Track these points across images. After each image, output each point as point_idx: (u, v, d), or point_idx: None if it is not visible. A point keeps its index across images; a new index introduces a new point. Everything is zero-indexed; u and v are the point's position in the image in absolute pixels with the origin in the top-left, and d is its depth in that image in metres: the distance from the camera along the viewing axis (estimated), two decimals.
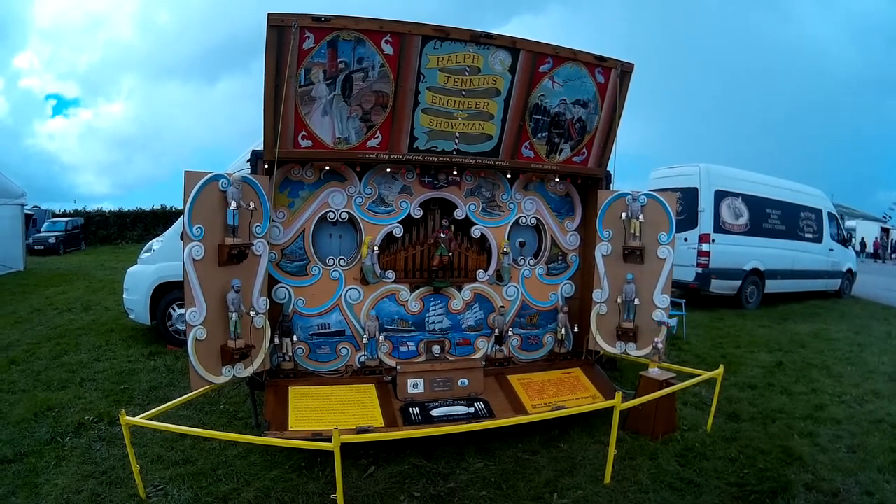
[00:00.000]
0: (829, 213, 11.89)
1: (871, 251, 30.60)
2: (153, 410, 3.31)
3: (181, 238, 3.32)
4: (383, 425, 3.50)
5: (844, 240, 12.79)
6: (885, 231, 33.59)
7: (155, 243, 6.70)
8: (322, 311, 4.03)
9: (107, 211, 25.91)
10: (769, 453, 3.72)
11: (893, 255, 31.11)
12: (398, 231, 4.16)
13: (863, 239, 30.21)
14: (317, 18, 3.33)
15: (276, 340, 3.85)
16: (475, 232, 4.35)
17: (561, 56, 3.91)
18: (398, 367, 3.97)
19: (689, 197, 9.63)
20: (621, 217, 4.28)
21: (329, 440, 2.68)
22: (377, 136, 3.77)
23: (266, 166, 3.68)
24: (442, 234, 4.13)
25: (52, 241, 20.32)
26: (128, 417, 3.00)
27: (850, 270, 12.59)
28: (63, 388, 4.75)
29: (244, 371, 3.56)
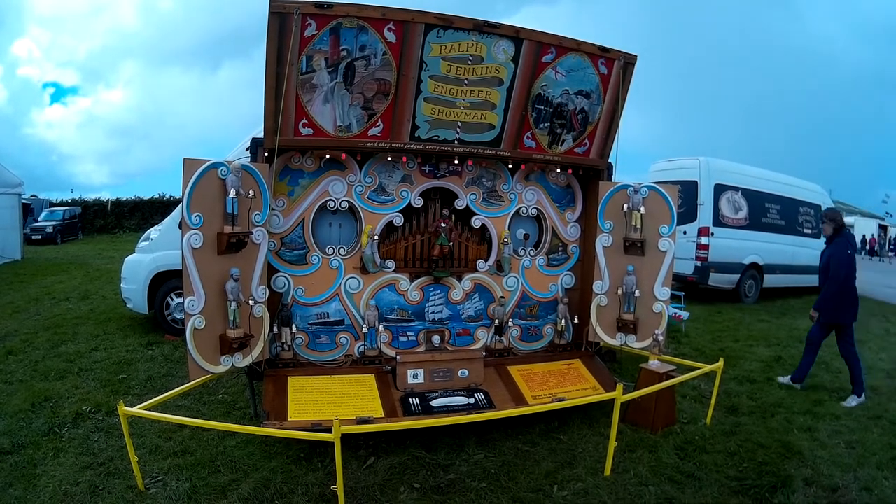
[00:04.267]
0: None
1: (868, 248, 30.58)
2: (151, 401, 3.29)
3: (180, 226, 3.28)
4: (383, 416, 3.49)
5: None
6: (883, 228, 33.54)
7: (153, 232, 6.65)
8: (321, 301, 4.00)
9: (104, 200, 25.76)
10: (768, 447, 3.72)
11: (891, 253, 31.06)
12: (398, 220, 4.14)
13: (863, 237, 30.19)
14: (319, 5, 3.28)
15: (275, 330, 3.83)
16: (476, 222, 4.33)
17: (564, 46, 3.87)
18: (398, 358, 3.95)
19: (688, 190, 9.59)
20: (622, 209, 4.26)
21: (328, 430, 2.67)
22: (378, 125, 3.73)
23: (266, 154, 3.64)
24: (442, 224, 4.10)
25: (50, 230, 20.23)
26: (126, 408, 2.98)
27: None
28: (61, 379, 4.72)
29: (243, 361, 3.54)
